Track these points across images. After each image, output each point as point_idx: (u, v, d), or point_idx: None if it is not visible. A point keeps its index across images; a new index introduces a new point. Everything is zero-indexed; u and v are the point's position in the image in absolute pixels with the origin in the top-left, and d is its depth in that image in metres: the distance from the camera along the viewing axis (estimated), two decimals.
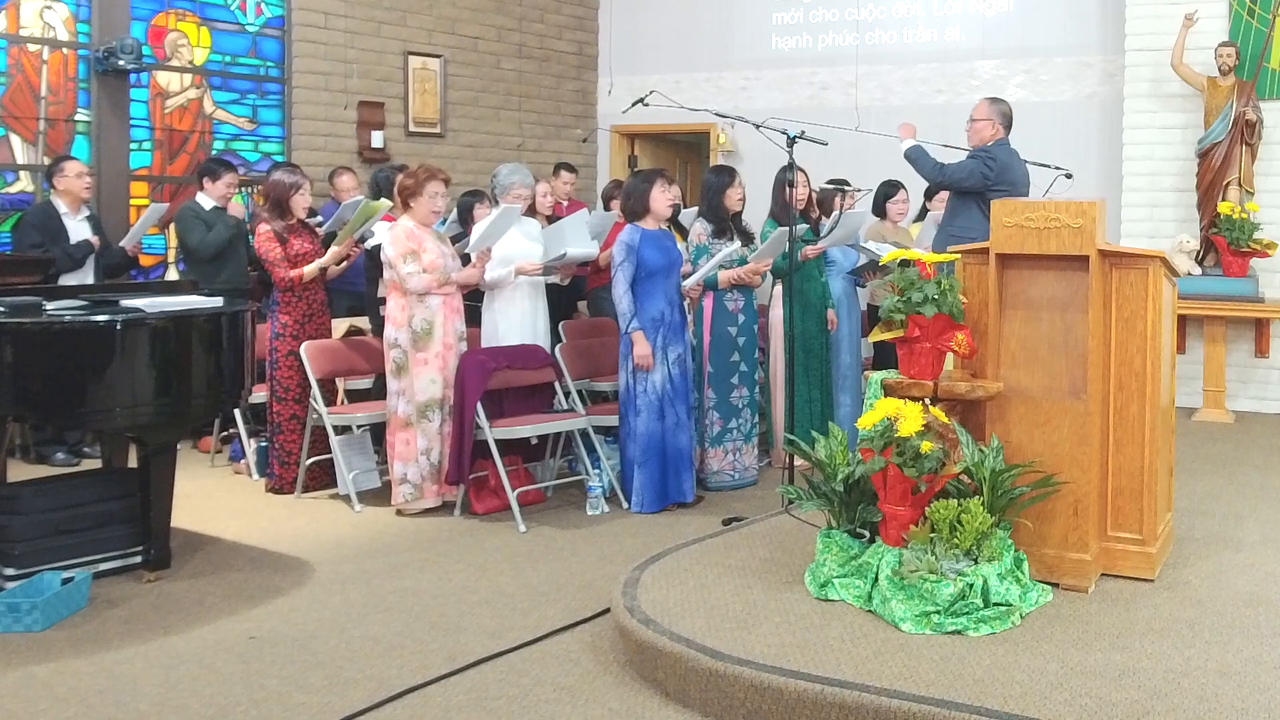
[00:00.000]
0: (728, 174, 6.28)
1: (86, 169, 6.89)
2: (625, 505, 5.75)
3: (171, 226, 7.87)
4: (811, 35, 10.01)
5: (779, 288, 6.48)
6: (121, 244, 7.04)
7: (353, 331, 6.80)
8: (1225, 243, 7.78)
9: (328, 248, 6.17)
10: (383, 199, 6.40)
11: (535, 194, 6.84)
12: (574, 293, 7.54)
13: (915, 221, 7.79)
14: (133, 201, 7.71)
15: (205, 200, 7.01)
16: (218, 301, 5.04)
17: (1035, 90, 9.18)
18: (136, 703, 3.49)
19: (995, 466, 3.88)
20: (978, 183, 6.06)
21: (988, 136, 6.17)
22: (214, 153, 8.09)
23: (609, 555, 4.97)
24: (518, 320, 6.11)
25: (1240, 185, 7.89)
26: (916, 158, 6.34)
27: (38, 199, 7.19)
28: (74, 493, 4.66)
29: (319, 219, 7.10)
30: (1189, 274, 7.80)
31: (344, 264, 6.28)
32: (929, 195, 7.85)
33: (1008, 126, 6.22)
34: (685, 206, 7.52)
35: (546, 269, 6.17)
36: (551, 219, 7.15)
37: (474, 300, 6.31)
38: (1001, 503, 3.86)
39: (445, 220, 6.63)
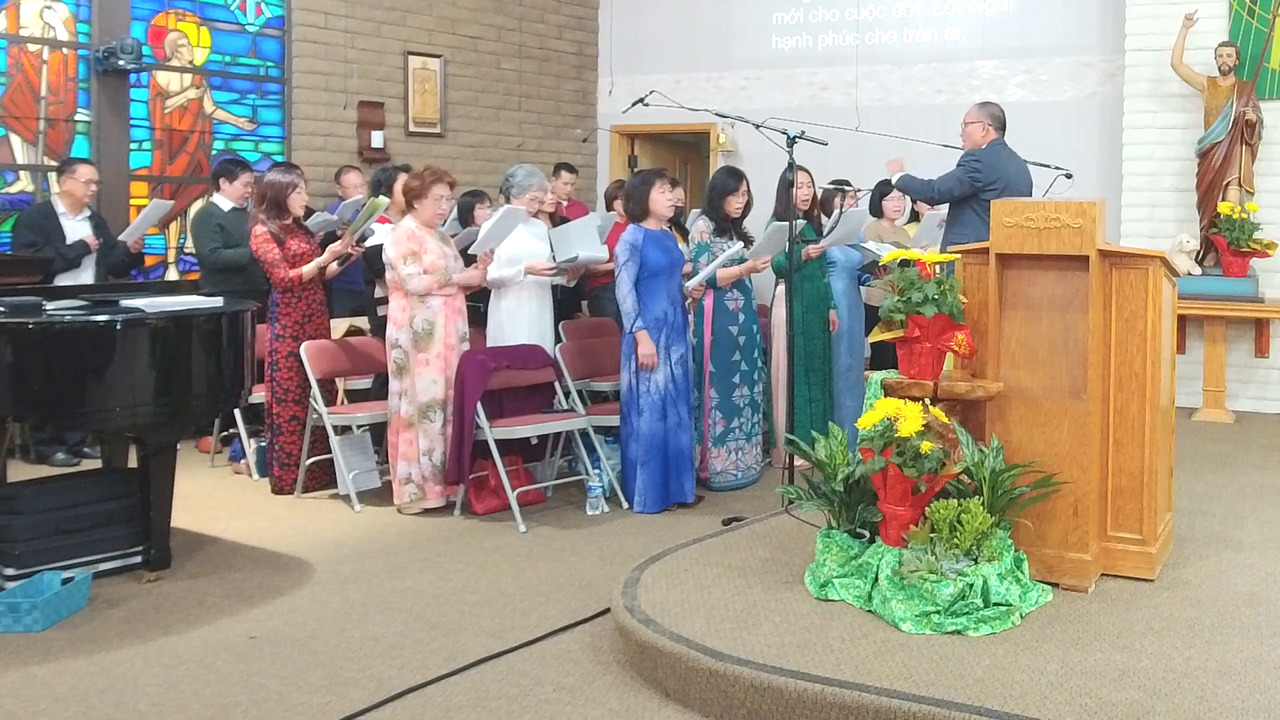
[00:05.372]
0: (735, 179, 6.26)
1: (96, 176, 6.86)
2: (625, 505, 5.75)
3: (171, 226, 7.88)
4: (811, 35, 10.01)
5: (781, 287, 6.48)
6: (121, 237, 7.02)
7: (353, 331, 6.80)
8: (1225, 243, 7.78)
9: (325, 249, 6.16)
10: (382, 196, 6.39)
11: None
12: (576, 293, 7.54)
13: (909, 222, 7.80)
14: (133, 201, 7.71)
15: (223, 201, 6.99)
16: (218, 301, 5.04)
17: (1035, 90, 9.18)
18: (136, 703, 3.49)
19: (995, 466, 3.88)
20: (967, 189, 6.12)
21: (979, 139, 6.24)
22: (214, 153, 8.09)
23: (609, 555, 4.97)
24: (525, 320, 6.12)
25: (1240, 185, 7.89)
26: (907, 185, 6.53)
27: (38, 199, 7.18)
28: (74, 493, 4.66)
29: (328, 216, 7.08)
30: (1189, 274, 7.79)
31: (345, 263, 6.27)
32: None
33: (1000, 128, 6.26)
34: (688, 209, 7.52)
35: (559, 270, 6.18)
36: (553, 218, 7.15)
37: (476, 300, 6.32)
38: (1001, 503, 3.87)
39: (446, 221, 6.62)
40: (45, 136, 7.34)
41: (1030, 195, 6.18)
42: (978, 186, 6.07)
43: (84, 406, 4.40)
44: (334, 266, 6.16)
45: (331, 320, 6.46)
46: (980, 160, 6.09)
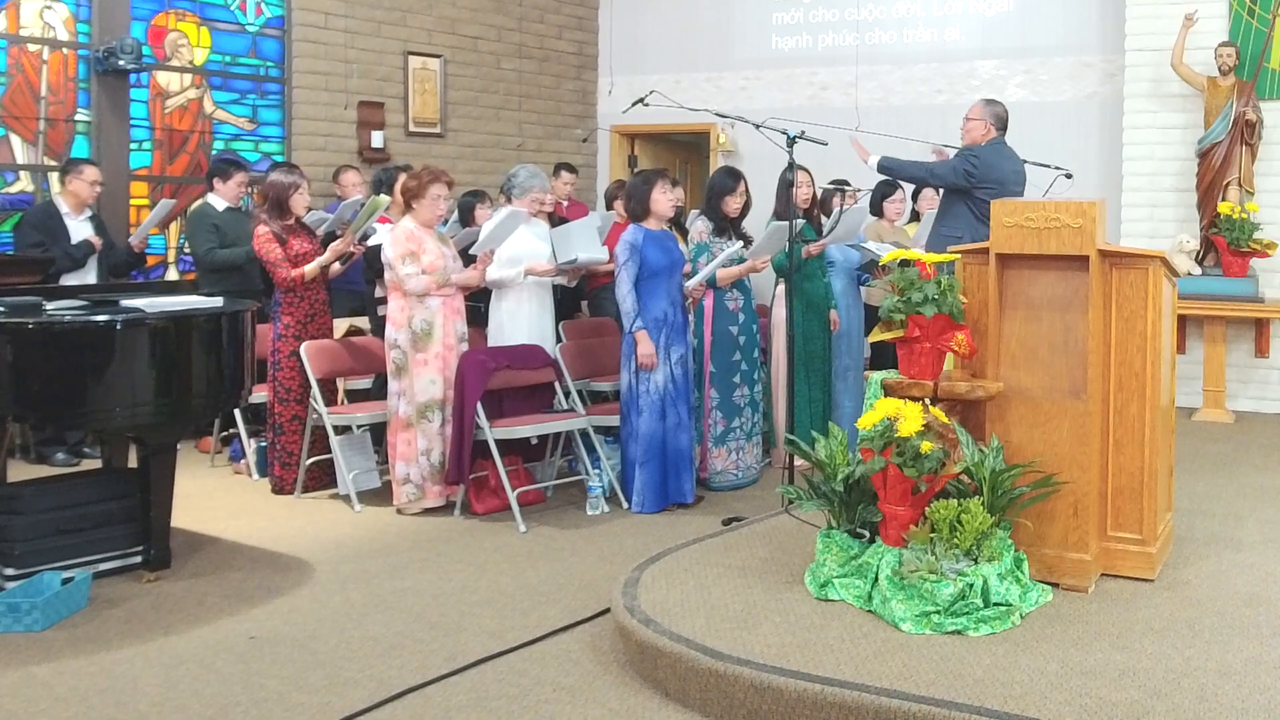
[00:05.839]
0: (733, 179, 6.26)
1: (101, 177, 6.86)
2: (625, 505, 5.75)
3: (172, 226, 7.88)
4: (811, 35, 10.01)
5: (781, 287, 6.48)
6: (129, 240, 7.04)
7: (352, 331, 6.80)
8: (1225, 243, 7.78)
9: (328, 248, 6.16)
10: (383, 195, 6.40)
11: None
12: (576, 293, 7.54)
13: (909, 222, 7.80)
14: (133, 201, 7.71)
15: (217, 201, 6.98)
16: (218, 301, 5.04)
17: (1035, 90, 9.18)
18: (136, 703, 3.49)
19: (995, 466, 3.88)
20: (961, 181, 6.05)
21: (979, 136, 6.16)
22: (214, 153, 8.08)
23: (609, 555, 4.97)
24: (525, 320, 6.12)
25: (1240, 185, 7.89)
26: (891, 166, 6.36)
27: (38, 199, 7.18)
28: (74, 493, 4.66)
29: (321, 214, 7.08)
30: (1189, 274, 7.80)
31: (348, 262, 6.28)
32: (915, 197, 7.88)
33: (1001, 128, 6.19)
34: (688, 209, 7.52)
35: (559, 270, 6.18)
36: (552, 218, 7.15)
37: (475, 300, 6.31)
38: (1001, 503, 3.87)
39: (446, 221, 6.62)
40: (45, 136, 7.34)
41: (1023, 197, 6.15)
42: (972, 181, 6.02)
43: (84, 406, 4.40)
44: (336, 266, 6.18)
45: (332, 320, 6.46)
46: (978, 157, 6.04)
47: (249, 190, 7.37)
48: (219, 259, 6.74)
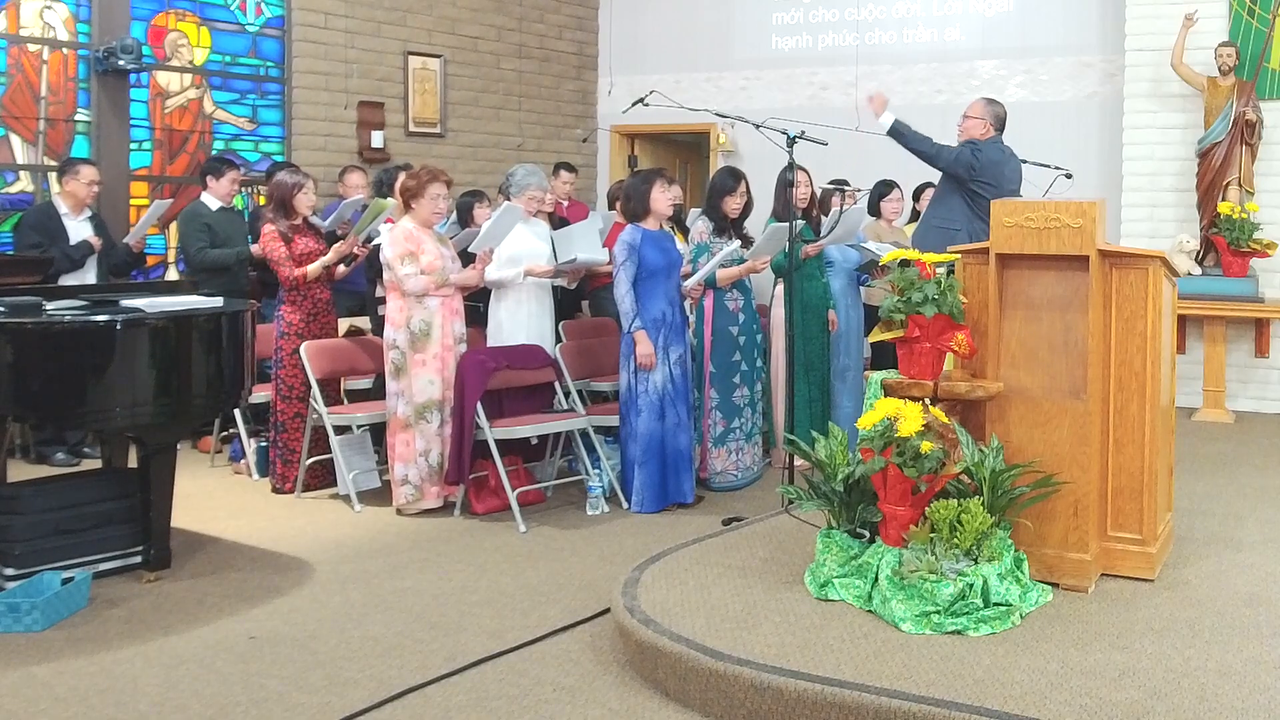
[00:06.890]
0: (733, 179, 6.25)
1: (98, 177, 6.87)
2: (625, 505, 5.75)
3: (171, 226, 7.88)
4: (811, 35, 10.01)
5: (780, 287, 6.48)
6: (125, 240, 7.04)
7: (353, 331, 6.80)
8: (1225, 243, 7.78)
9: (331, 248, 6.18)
10: (389, 198, 6.40)
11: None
12: (576, 293, 7.54)
13: (909, 222, 7.80)
14: (133, 201, 7.71)
15: (210, 200, 6.99)
16: (218, 301, 5.05)
17: (1035, 90, 9.18)
18: (136, 703, 3.49)
19: (995, 466, 3.88)
20: (963, 170, 5.96)
21: (978, 135, 6.09)
22: (214, 153, 8.08)
23: (609, 555, 4.97)
24: (525, 320, 6.12)
25: (1240, 185, 7.89)
26: (904, 132, 6.13)
27: (38, 199, 7.18)
28: (74, 493, 4.65)
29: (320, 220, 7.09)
30: (1189, 274, 7.80)
31: (352, 264, 6.29)
32: (916, 196, 7.87)
33: (1000, 129, 6.14)
34: (687, 209, 7.52)
35: (557, 272, 6.18)
36: (552, 218, 7.15)
37: (474, 300, 6.32)
38: (1001, 503, 3.87)
39: (446, 221, 6.62)
40: (45, 136, 7.34)
41: (1020, 197, 6.12)
42: (973, 173, 5.96)
43: (84, 406, 4.40)
44: (342, 268, 6.20)
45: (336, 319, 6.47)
46: (982, 151, 6.00)
47: (245, 189, 7.36)
48: (209, 259, 6.76)
